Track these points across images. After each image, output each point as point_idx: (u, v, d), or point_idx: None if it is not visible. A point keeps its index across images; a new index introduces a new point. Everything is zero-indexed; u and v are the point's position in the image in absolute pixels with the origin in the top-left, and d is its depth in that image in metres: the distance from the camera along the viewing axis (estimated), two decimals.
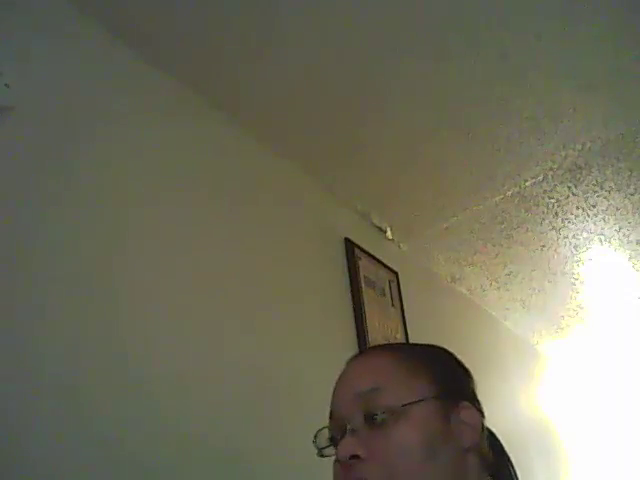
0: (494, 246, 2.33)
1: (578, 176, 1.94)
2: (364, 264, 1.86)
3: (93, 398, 0.94)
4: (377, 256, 1.96)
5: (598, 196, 2.06)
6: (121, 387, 0.98)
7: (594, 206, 2.11)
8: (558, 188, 2.00)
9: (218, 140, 1.49)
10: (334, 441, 0.67)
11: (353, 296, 1.76)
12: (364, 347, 1.65)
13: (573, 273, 2.58)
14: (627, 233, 2.29)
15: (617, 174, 1.95)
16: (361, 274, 1.82)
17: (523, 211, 2.11)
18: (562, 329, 3.17)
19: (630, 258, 2.49)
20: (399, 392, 0.64)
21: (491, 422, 0.71)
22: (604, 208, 2.12)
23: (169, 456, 1.02)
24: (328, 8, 1.29)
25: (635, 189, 2.03)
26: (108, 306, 1.03)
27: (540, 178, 1.93)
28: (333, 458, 0.65)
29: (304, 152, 1.71)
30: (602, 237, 2.31)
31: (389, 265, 2.01)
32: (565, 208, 2.11)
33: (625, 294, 2.85)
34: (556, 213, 2.14)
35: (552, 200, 2.06)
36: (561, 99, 1.62)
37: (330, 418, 0.69)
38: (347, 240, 1.84)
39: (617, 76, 1.55)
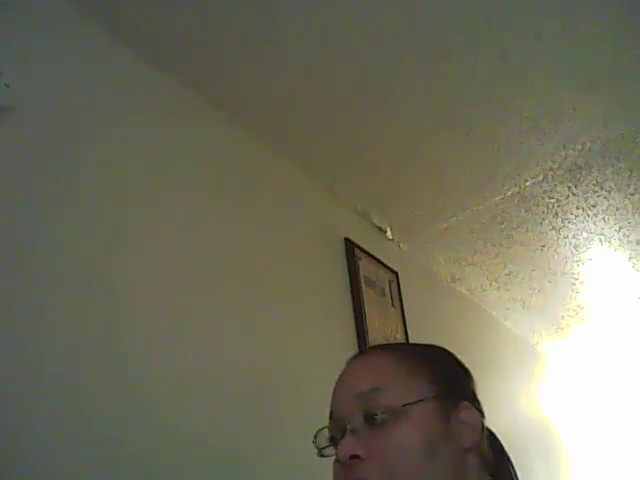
0: (494, 246, 2.33)
1: (578, 176, 1.94)
2: (364, 264, 1.86)
3: (93, 398, 0.94)
4: (377, 256, 1.96)
5: (598, 196, 2.06)
6: (121, 387, 0.98)
7: (594, 206, 2.11)
8: (558, 188, 2.00)
9: (218, 140, 1.49)
10: (334, 441, 0.67)
11: (353, 296, 1.76)
12: (364, 347, 1.65)
13: (573, 273, 2.58)
14: (627, 233, 2.29)
15: (617, 174, 1.95)
16: (361, 274, 1.82)
17: (523, 211, 2.11)
18: (562, 329, 3.17)
19: (630, 258, 2.49)
20: (399, 392, 0.64)
21: (491, 422, 0.71)
22: (604, 208, 2.12)
23: (169, 456, 1.02)
24: (328, 8, 1.29)
25: (635, 189, 2.03)
26: (108, 306, 1.03)
27: (540, 178, 1.93)
28: (333, 458, 0.65)
29: (304, 152, 1.71)
30: (602, 237, 2.31)
31: (389, 265, 2.01)
32: (565, 208, 2.11)
33: (625, 294, 2.85)
34: (556, 213, 2.14)
35: (552, 200, 2.06)
36: (561, 99, 1.62)
37: (330, 418, 0.69)
38: (347, 240, 1.84)
39: (617, 76, 1.55)
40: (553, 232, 2.25)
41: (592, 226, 2.23)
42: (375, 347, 0.87)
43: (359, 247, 1.88)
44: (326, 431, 0.69)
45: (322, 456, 0.69)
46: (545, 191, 2.01)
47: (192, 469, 1.04)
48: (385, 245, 2.11)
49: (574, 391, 3.77)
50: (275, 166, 1.67)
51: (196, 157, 1.38)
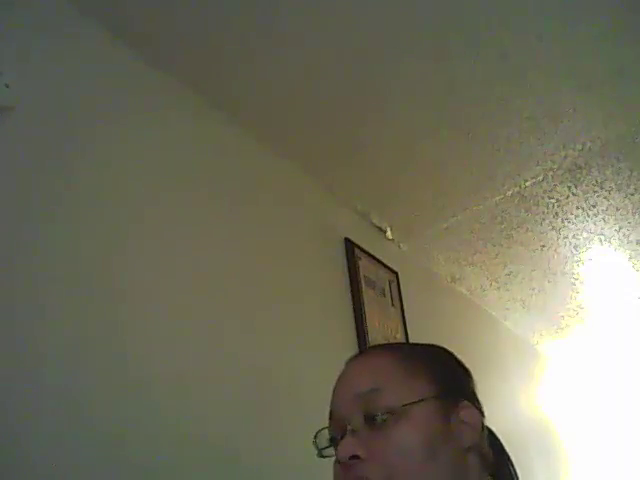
0: (494, 246, 2.33)
1: (578, 176, 1.94)
2: (364, 264, 1.86)
3: (93, 398, 0.94)
4: (377, 256, 1.96)
5: (598, 196, 2.06)
6: (121, 387, 0.98)
7: (594, 206, 2.11)
8: (558, 188, 2.00)
9: (218, 140, 1.49)
10: (334, 441, 0.67)
11: (353, 296, 1.76)
12: (364, 347, 1.65)
13: (573, 273, 2.58)
14: (627, 233, 2.29)
15: (617, 174, 1.95)
16: (361, 274, 1.82)
17: (523, 211, 2.11)
18: (562, 329, 3.17)
19: (630, 258, 2.49)
20: (399, 392, 0.64)
21: (491, 422, 0.71)
22: (604, 208, 2.12)
23: (169, 456, 1.02)
24: (328, 8, 1.29)
25: (635, 189, 2.03)
26: (108, 306, 1.03)
27: (540, 178, 1.93)
28: (333, 458, 0.65)
29: (304, 152, 1.70)
30: (602, 237, 2.31)
31: (389, 265, 2.01)
32: (565, 208, 2.11)
33: (625, 294, 2.85)
34: (556, 213, 2.14)
35: (552, 200, 2.06)
36: (561, 99, 1.62)
37: (330, 418, 0.69)
38: (347, 240, 1.84)
39: (617, 76, 1.55)
40: (553, 232, 2.25)
41: (592, 226, 2.23)
42: (375, 347, 0.87)
43: (359, 247, 1.88)
44: (326, 431, 0.69)
45: (322, 456, 0.69)
46: (545, 191, 2.00)
47: (192, 469, 1.04)
48: (385, 245, 2.11)
49: (574, 391, 3.77)
50: (275, 166, 1.67)
51: (196, 157, 1.38)
